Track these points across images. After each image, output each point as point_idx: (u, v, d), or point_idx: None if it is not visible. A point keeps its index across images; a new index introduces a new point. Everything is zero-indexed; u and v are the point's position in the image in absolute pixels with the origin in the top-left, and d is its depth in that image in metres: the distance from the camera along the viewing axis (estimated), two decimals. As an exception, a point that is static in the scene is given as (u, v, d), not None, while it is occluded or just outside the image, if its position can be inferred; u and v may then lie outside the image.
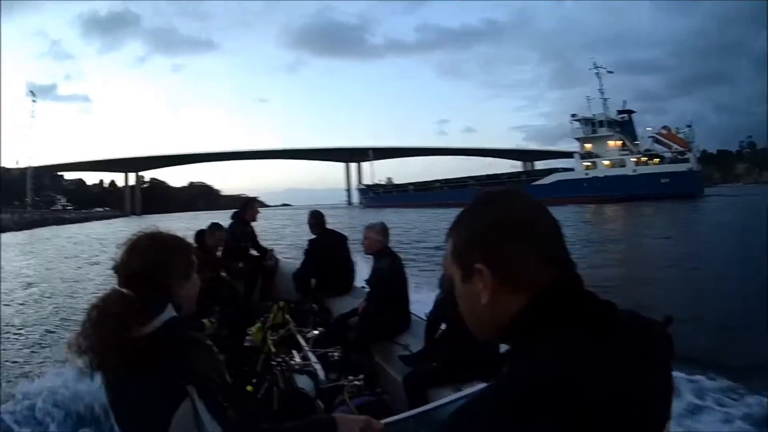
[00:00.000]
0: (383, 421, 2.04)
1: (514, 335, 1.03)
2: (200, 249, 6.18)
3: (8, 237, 49.37)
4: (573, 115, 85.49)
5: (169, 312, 1.89)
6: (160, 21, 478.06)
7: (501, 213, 1.07)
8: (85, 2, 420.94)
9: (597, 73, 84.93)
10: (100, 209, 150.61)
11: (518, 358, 1.00)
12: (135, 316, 1.80)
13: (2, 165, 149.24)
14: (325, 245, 7.20)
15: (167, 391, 1.79)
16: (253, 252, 8.00)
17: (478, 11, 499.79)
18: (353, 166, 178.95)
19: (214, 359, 1.89)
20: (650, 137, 77.29)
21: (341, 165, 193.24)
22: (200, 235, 6.83)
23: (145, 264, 1.94)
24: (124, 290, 1.88)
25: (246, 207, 7.95)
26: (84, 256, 28.79)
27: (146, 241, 2.01)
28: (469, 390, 2.94)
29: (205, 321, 5.01)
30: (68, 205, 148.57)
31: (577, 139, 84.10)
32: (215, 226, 7.04)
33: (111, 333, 1.76)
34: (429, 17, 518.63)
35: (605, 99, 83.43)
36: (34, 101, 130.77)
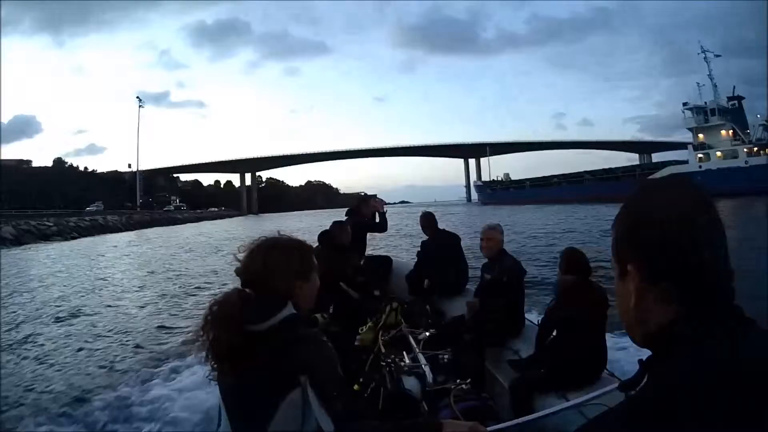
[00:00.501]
0: (489, 429, 2.05)
1: (657, 346, 0.96)
2: (327, 248, 6.35)
3: (114, 236, 53.93)
4: (684, 104, 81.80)
5: (288, 310, 2.02)
6: (271, 26, 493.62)
7: (657, 208, 0.99)
8: (191, 13, 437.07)
9: (705, 57, 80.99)
10: (215, 209, 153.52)
11: (659, 369, 0.91)
12: (253, 313, 1.96)
13: (116, 170, 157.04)
14: (438, 246, 7.16)
15: (278, 380, 1.93)
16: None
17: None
18: (472, 162, 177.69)
19: (328, 352, 2.04)
20: (761, 125, 72.41)
21: (459, 161, 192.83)
22: (325, 235, 6.73)
23: (265, 266, 2.09)
24: (245, 290, 2.06)
25: (361, 203, 7.88)
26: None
27: (267, 245, 2.17)
28: (576, 400, 2.92)
29: (317, 316, 5.13)
30: (182, 206, 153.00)
31: (690, 129, 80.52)
32: (341, 224, 6.95)
33: (229, 328, 1.91)
34: (539, 9, 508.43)
35: (715, 85, 79.25)
36: (141, 106, 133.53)
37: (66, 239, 49.01)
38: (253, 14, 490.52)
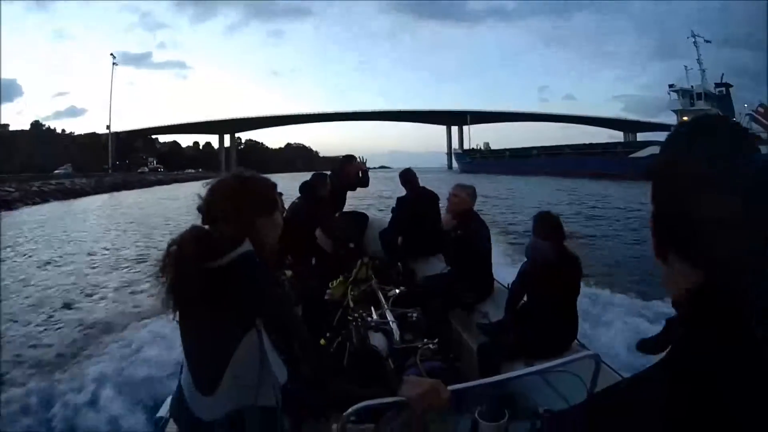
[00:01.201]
0: (450, 388, 2.03)
1: (685, 313, 0.86)
2: (307, 199, 6.40)
3: (83, 202, 51.08)
4: (671, 86, 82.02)
5: (245, 247, 1.95)
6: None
7: (692, 156, 0.85)
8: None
9: (694, 42, 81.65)
10: (192, 170, 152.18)
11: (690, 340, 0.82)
12: (210, 250, 1.91)
13: (95, 132, 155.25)
14: (415, 203, 7.07)
15: (234, 321, 1.90)
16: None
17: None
18: (455, 130, 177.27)
19: (284, 295, 2.10)
20: (747, 114, 72.11)
21: (441, 129, 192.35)
22: (306, 186, 6.70)
23: (224, 200, 2.04)
24: (204, 226, 2.02)
25: (345, 163, 7.80)
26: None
27: (228, 180, 2.14)
28: (540, 366, 2.88)
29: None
30: (159, 167, 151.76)
31: (675, 111, 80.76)
32: (322, 176, 6.91)
33: (186, 265, 1.87)
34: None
35: (703, 70, 79.74)
36: (114, 64, 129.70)
37: (28, 204, 46.81)
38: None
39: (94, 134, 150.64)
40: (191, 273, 1.86)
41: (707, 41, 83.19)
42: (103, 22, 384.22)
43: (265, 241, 2.09)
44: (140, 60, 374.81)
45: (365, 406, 1.96)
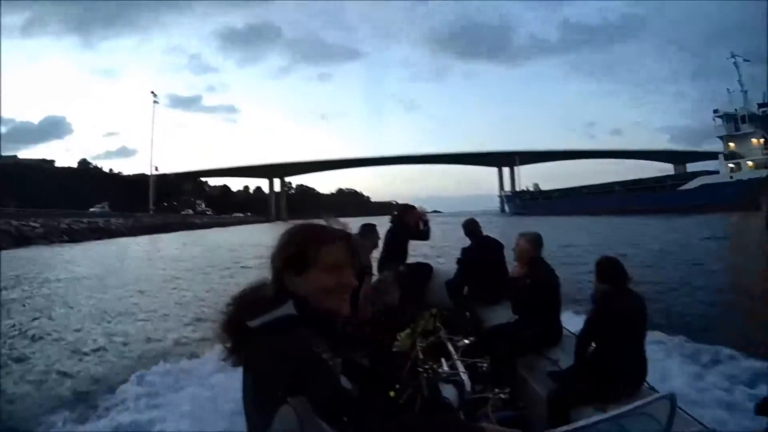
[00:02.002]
0: None
1: None
2: None
3: (112, 243, 48.33)
4: (715, 111, 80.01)
5: (285, 310, 1.76)
6: (302, 31, 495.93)
7: None
8: (220, 17, 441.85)
9: (735, 63, 79.38)
10: (240, 214, 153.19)
11: None
12: (252, 307, 1.76)
13: (143, 173, 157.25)
14: (480, 253, 7.12)
15: (265, 392, 1.61)
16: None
17: (618, 6, 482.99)
18: (506, 171, 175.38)
19: (318, 371, 1.69)
20: None
21: (489, 170, 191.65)
22: None
23: (276, 252, 1.87)
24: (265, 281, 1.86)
25: (406, 211, 7.84)
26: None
27: (287, 230, 1.94)
28: (614, 412, 2.90)
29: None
30: (207, 210, 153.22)
31: (720, 137, 78.37)
32: (369, 227, 6.75)
33: (228, 319, 1.78)
34: (570, 15, 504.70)
35: (745, 91, 77.24)
36: (155, 102, 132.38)
37: (51, 243, 44.47)
38: (283, 18, 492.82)
39: (142, 175, 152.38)
40: (229, 328, 1.77)
41: (746, 60, 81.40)
42: (152, 64, 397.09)
43: (307, 298, 1.81)
44: (190, 103, 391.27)
45: None
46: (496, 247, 7.19)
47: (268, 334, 1.70)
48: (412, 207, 7.93)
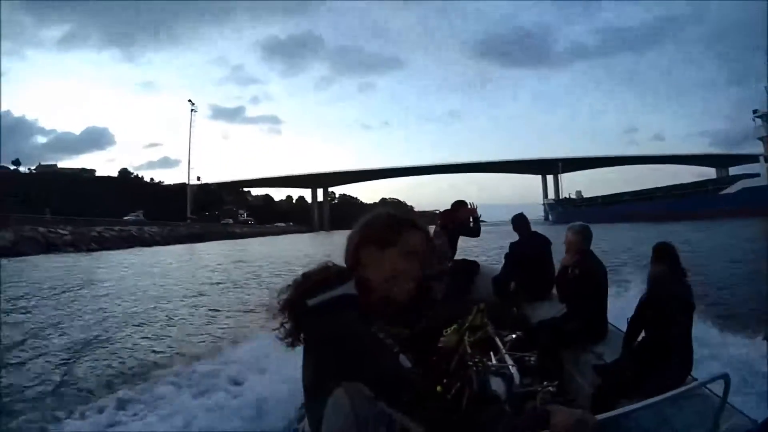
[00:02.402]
0: (598, 417, 1.82)
1: None
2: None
3: (144, 252, 46.09)
4: (755, 111, 78.57)
5: (345, 288, 1.76)
6: (344, 41, 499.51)
7: None
8: (262, 28, 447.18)
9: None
10: (282, 224, 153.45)
11: None
12: (314, 286, 1.77)
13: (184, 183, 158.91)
14: (527, 248, 7.21)
15: (322, 372, 1.69)
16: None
17: (656, 8, 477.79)
18: (550, 179, 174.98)
19: (378, 347, 1.75)
20: None
21: (532, 179, 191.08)
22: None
23: (358, 228, 1.97)
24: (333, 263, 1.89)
25: (459, 207, 7.92)
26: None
27: (374, 211, 2.03)
28: (678, 390, 2.90)
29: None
30: (249, 220, 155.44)
31: (761, 138, 76.96)
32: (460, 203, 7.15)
33: (288, 298, 1.81)
34: (607, 19, 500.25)
35: None
36: (193, 110, 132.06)
37: (79, 251, 43.05)
38: (324, 28, 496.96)
39: (182, 185, 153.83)
40: (289, 306, 1.80)
41: None
42: (194, 76, 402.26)
43: (376, 284, 1.86)
44: (233, 114, 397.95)
45: None
46: (543, 242, 7.23)
47: (324, 314, 1.72)
48: (464, 202, 7.99)
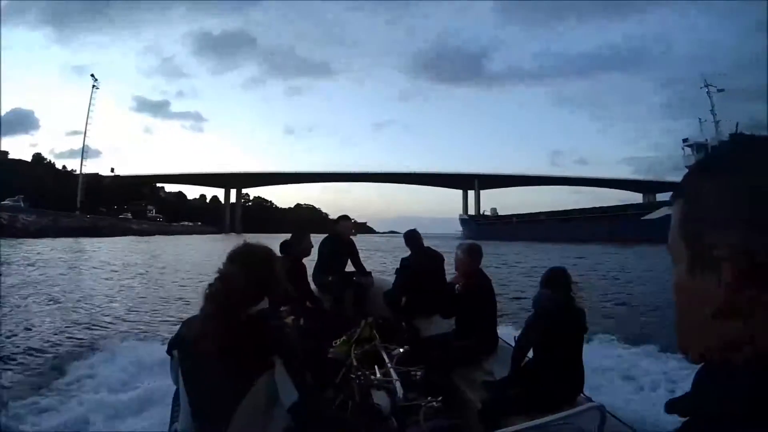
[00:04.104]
0: None
1: (746, 365, 0.69)
2: (289, 258, 6.48)
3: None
4: (685, 140, 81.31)
5: (264, 303, 2.44)
6: (278, 43, 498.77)
7: None
8: (199, 21, 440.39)
9: (708, 92, 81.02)
10: (189, 223, 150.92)
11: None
12: (245, 301, 2.36)
13: (98, 173, 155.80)
14: (419, 264, 7.26)
15: (253, 362, 2.27)
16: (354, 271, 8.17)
17: (597, 37, 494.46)
18: (471, 194, 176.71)
19: (295, 339, 2.48)
20: None
21: (453, 193, 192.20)
22: (285, 245, 6.88)
23: (244, 274, 2.41)
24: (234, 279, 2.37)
25: (337, 222, 8.18)
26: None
27: (246, 255, 2.54)
28: (542, 420, 2.92)
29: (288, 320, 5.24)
30: (159, 217, 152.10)
31: (689, 167, 78.74)
32: (302, 234, 7.19)
33: (228, 309, 2.29)
34: (550, 44, 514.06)
35: (717, 121, 78.72)
36: (95, 87, 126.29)
37: None
38: (260, 29, 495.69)
39: (97, 175, 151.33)
40: (229, 318, 2.28)
41: (720, 90, 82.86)
42: (125, 64, 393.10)
43: (275, 300, 2.61)
44: (158, 108, 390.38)
45: None
46: (435, 258, 7.36)
47: (260, 320, 2.39)
48: (346, 217, 8.28)
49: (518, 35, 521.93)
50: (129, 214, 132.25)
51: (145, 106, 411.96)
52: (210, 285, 2.38)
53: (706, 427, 0.69)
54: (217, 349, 2.22)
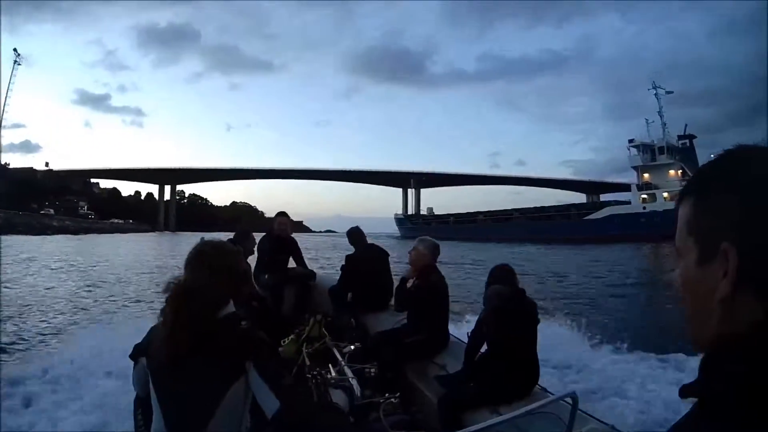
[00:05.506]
0: None
1: (743, 350, 0.75)
2: None
3: None
4: (630, 141, 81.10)
5: (231, 307, 2.38)
6: (222, 39, 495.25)
7: None
8: (145, 12, 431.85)
9: (656, 94, 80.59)
10: (120, 221, 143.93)
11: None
12: (215, 303, 2.31)
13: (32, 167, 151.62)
14: (364, 260, 7.33)
15: (226, 368, 2.20)
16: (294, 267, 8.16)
17: (539, 41, 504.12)
18: (411, 193, 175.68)
19: (269, 342, 2.40)
20: None
21: (392, 192, 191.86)
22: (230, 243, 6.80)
23: (212, 269, 2.38)
24: (202, 282, 2.32)
25: (273, 221, 8.16)
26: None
27: (213, 251, 2.48)
28: (509, 414, 2.94)
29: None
30: (90, 214, 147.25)
31: (635, 167, 79.80)
32: (246, 233, 7.23)
33: (198, 314, 2.23)
34: (492, 46, 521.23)
35: (665, 123, 78.42)
36: (17, 62, 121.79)
37: None
38: (206, 23, 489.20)
39: (31, 169, 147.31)
40: (198, 323, 2.21)
41: (669, 92, 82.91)
42: (69, 55, 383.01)
43: (238, 301, 2.55)
44: (98, 101, 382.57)
45: None
46: (380, 254, 7.47)
47: (226, 326, 2.31)
48: (284, 213, 8.31)
49: (461, 37, 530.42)
50: (51, 210, 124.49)
51: (87, 99, 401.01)
52: (175, 288, 2.29)
53: (715, 408, 0.72)
54: (188, 356, 2.18)
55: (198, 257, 2.42)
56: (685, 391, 0.81)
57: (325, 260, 24.34)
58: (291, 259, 8.12)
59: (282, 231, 7.99)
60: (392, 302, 6.59)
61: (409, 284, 5.85)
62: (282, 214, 8.21)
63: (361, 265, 7.30)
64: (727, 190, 0.80)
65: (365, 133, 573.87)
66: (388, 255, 7.50)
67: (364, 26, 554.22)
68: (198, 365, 2.19)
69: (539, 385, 4.49)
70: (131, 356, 2.51)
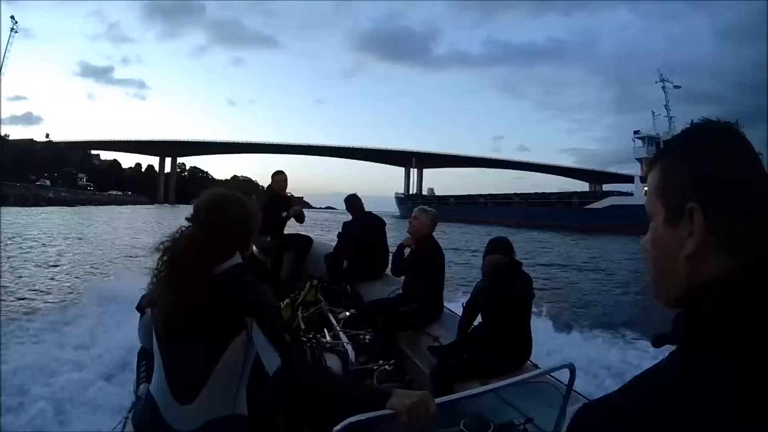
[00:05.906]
0: (437, 400, 1.98)
1: (704, 304, 0.80)
2: None
3: None
4: (636, 132, 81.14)
5: (237, 258, 2.30)
6: (225, 12, 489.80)
7: (741, 147, 0.89)
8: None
9: (663, 87, 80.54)
10: (118, 193, 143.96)
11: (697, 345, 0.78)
12: (212, 259, 2.21)
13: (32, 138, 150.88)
14: (360, 228, 7.35)
15: (226, 323, 2.14)
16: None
17: (547, 29, 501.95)
18: (413, 174, 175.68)
19: (270, 294, 2.26)
20: None
21: (396, 172, 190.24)
22: None
23: (225, 217, 2.28)
24: (197, 237, 2.23)
25: (272, 178, 8.02)
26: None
27: (227, 199, 2.36)
28: (498, 383, 2.91)
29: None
30: (89, 185, 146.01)
31: (639, 159, 79.73)
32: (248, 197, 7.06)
33: (192, 270, 2.15)
34: (498, 32, 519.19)
35: (671, 117, 77.57)
36: (14, 30, 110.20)
37: None
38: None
39: (30, 141, 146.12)
40: (196, 276, 2.14)
41: (677, 86, 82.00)
42: (71, 28, 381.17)
43: (247, 254, 2.44)
44: (101, 74, 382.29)
45: (353, 422, 1.85)
46: (377, 223, 7.49)
47: (234, 277, 2.23)
48: (281, 172, 8.17)
49: (469, 21, 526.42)
50: (47, 182, 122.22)
51: (89, 71, 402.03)
52: (176, 239, 2.25)
53: (696, 347, 0.77)
54: (188, 311, 2.13)
55: (207, 206, 2.30)
56: (658, 340, 0.88)
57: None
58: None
59: (281, 189, 7.93)
60: (388, 270, 6.70)
61: (406, 252, 5.89)
62: (280, 173, 8.12)
63: (358, 231, 7.34)
64: (691, 156, 0.89)
65: (367, 112, 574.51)
66: (384, 223, 7.52)
67: (368, 6, 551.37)
68: (199, 319, 2.14)
69: (531, 360, 4.48)
70: (137, 307, 2.49)
